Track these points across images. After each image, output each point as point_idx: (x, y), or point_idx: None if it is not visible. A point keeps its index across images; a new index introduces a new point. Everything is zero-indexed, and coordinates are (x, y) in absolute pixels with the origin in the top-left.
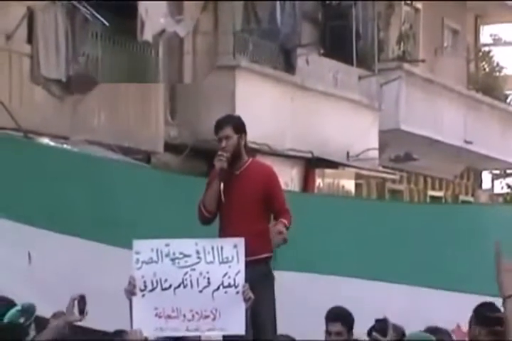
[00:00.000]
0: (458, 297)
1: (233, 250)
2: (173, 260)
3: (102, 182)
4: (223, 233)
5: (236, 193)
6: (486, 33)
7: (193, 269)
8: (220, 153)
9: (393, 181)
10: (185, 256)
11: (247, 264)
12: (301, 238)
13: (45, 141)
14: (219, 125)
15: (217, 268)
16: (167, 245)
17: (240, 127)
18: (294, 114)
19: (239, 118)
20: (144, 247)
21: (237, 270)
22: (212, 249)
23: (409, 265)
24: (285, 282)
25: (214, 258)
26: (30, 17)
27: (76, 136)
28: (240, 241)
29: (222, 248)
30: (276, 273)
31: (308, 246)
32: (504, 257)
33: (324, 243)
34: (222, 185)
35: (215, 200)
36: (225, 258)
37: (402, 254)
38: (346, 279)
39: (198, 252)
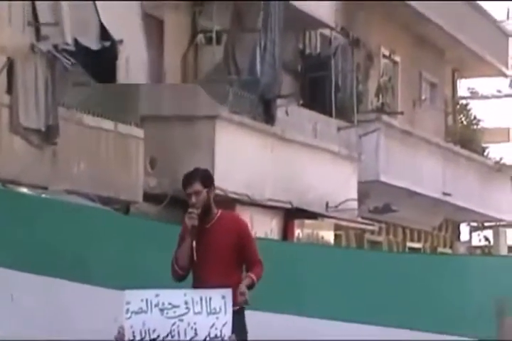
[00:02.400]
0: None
1: (221, 301)
2: (162, 310)
3: (83, 228)
4: (197, 285)
5: (207, 247)
6: (464, 86)
7: (181, 320)
8: (190, 210)
9: (372, 232)
10: (174, 306)
11: None
12: (282, 282)
13: (24, 190)
14: (187, 180)
15: (205, 319)
16: (157, 295)
17: (208, 180)
18: (274, 165)
19: (206, 172)
20: (135, 297)
21: (224, 321)
22: (201, 299)
23: (385, 309)
24: (265, 323)
25: (202, 309)
26: (10, 67)
27: (55, 186)
28: (228, 292)
29: (210, 299)
30: (255, 314)
31: (289, 290)
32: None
33: (305, 288)
34: (194, 241)
35: (188, 257)
36: (212, 309)
37: (380, 299)
38: (325, 321)
39: (186, 303)
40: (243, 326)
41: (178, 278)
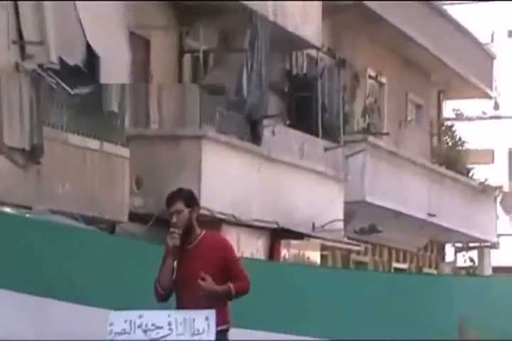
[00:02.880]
0: None
1: (205, 322)
2: (145, 331)
3: (67, 248)
4: (180, 306)
5: (189, 268)
6: (449, 107)
7: None
8: (172, 230)
9: (358, 253)
10: (157, 327)
11: None
12: (269, 301)
13: (7, 210)
14: (169, 200)
15: (188, 340)
16: (140, 316)
17: (191, 201)
18: (260, 185)
19: (189, 192)
20: (118, 319)
21: None
22: (184, 320)
23: (372, 327)
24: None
25: (185, 330)
26: None
27: (40, 206)
28: (212, 314)
29: (194, 320)
30: (241, 332)
31: (277, 308)
32: (467, 330)
33: (292, 307)
34: (175, 261)
35: (170, 277)
36: (196, 330)
37: (366, 318)
38: (312, 339)
39: (169, 324)
40: None
41: (161, 298)
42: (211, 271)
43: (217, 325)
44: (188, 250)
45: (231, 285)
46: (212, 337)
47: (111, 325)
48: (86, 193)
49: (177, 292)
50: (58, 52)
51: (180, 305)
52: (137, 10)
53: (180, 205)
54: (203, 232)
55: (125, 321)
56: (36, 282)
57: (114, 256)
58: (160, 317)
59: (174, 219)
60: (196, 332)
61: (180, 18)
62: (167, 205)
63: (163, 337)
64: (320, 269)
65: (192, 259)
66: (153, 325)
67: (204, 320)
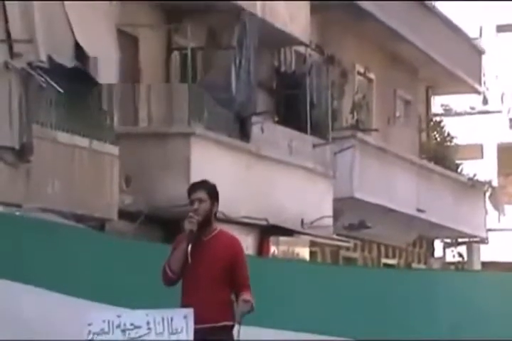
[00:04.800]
0: None
1: (183, 321)
2: (123, 331)
3: (57, 245)
4: (186, 299)
5: (201, 260)
6: (437, 103)
7: (143, 340)
8: (191, 214)
9: (347, 249)
10: (136, 327)
11: (208, 331)
12: (261, 297)
13: None
14: (194, 187)
15: (167, 339)
16: (119, 316)
17: (213, 194)
18: (249, 182)
19: (214, 186)
20: (96, 319)
21: None
22: (163, 319)
23: (361, 323)
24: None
25: (164, 329)
26: None
27: (29, 204)
28: (190, 312)
29: (172, 319)
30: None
31: (268, 305)
32: None
33: (281, 303)
34: (189, 247)
35: (181, 262)
36: (174, 330)
37: (355, 314)
38: (302, 334)
39: (148, 323)
40: None
41: (169, 282)
42: (220, 267)
43: (224, 320)
44: (203, 242)
45: (250, 299)
46: (191, 335)
47: (89, 325)
48: (75, 191)
49: (184, 283)
50: (47, 50)
51: (186, 297)
52: (125, 8)
53: (203, 194)
54: (219, 229)
55: (103, 321)
56: (24, 280)
57: (103, 254)
58: (138, 317)
59: (196, 206)
60: (175, 331)
61: (168, 16)
62: (189, 193)
63: (142, 336)
64: (309, 265)
65: (205, 252)
66: (131, 324)
67: (182, 318)
